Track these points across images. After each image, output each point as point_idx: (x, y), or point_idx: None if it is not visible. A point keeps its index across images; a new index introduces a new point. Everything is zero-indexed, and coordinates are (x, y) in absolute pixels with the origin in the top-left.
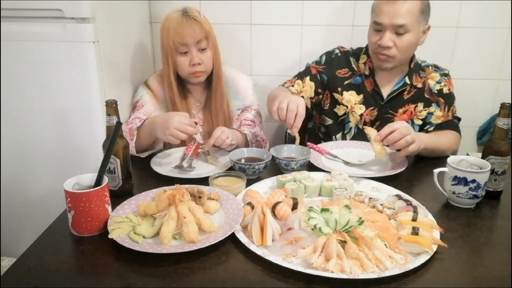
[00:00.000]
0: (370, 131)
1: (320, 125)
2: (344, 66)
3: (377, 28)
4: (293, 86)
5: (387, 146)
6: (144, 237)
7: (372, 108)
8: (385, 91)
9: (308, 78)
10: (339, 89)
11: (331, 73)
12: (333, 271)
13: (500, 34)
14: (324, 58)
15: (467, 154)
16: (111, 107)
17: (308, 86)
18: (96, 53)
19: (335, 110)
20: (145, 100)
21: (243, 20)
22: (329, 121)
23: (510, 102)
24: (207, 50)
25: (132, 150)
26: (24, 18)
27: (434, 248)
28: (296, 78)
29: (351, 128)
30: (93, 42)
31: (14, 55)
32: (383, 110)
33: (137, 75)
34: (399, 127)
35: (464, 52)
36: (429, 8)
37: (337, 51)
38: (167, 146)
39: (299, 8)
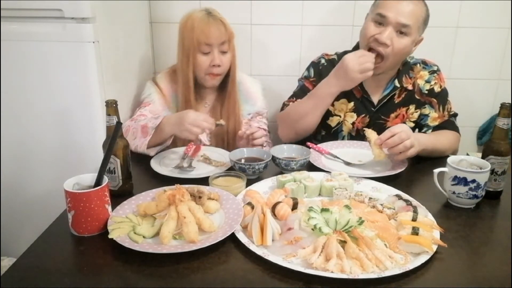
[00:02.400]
0: (371, 134)
1: (317, 134)
2: None
3: (380, 20)
4: None
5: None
6: (144, 237)
7: (363, 115)
8: (375, 97)
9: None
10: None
11: None
12: (333, 271)
13: (500, 34)
14: (312, 70)
15: (467, 154)
16: (111, 107)
17: None
18: (96, 53)
19: (328, 122)
20: (152, 98)
21: (243, 20)
22: (322, 132)
23: (510, 102)
24: (227, 53)
25: (142, 148)
26: (24, 18)
27: (434, 248)
28: (295, 98)
29: (344, 136)
30: (93, 42)
31: (14, 55)
32: (375, 116)
33: (137, 75)
34: (399, 131)
35: (464, 52)
36: (428, 21)
37: (323, 60)
38: (173, 145)
39: (299, 8)
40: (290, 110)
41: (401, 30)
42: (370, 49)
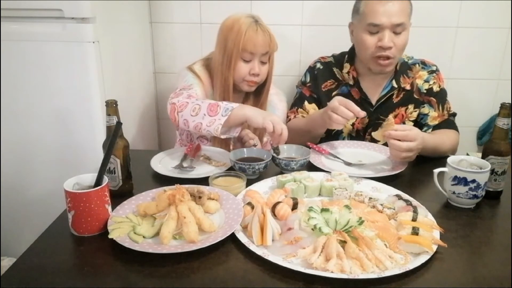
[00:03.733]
0: (389, 125)
1: None
2: (329, 77)
3: (374, 30)
4: (297, 116)
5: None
6: (144, 237)
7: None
8: (373, 97)
9: (306, 102)
10: (328, 103)
11: (317, 89)
12: (333, 271)
13: (500, 34)
14: (308, 76)
15: (467, 154)
16: (111, 107)
17: (312, 110)
18: (96, 53)
19: None
20: (196, 91)
21: None
22: (323, 135)
23: (510, 102)
24: (267, 64)
25: (212, 127)
26: (24, 18)
27: (434, 248)
28: (296, 108)
29: (344, 138)
30: (93, 42)
31: (14, 55)
32: (374, 117)
33: (137, 75)
34: (410, 140)
35: (464, 52)
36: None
37: (318, 65)
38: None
39: (299, 8)
40: (292, 125)
41: (397, 30)
42: (377, 57)
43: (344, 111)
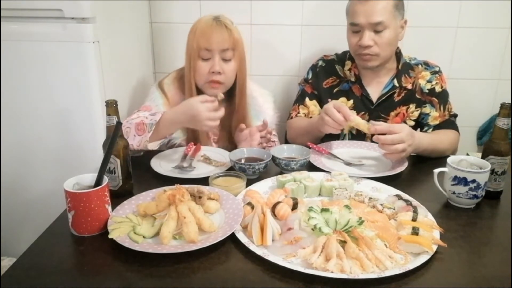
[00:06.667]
0: (360, 126)
1: None
2: (331, 74)
3: (355, 29)
4: (299, 113)
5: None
6: (144, 237)
7: (363, 113)
8: (374, 95)
9: (307, 99)
10: (329, 100)
11: (318, 86)
12: (333, 271)
13: (500, 34)
14: (310, 73)
15: (467, 154)
16: (111, 107)
17: (313, 106)
18: (96, 53)
19: None
20: (159, 109)
21: (243, 20)
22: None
23: (510, 102)
24: (231, 61)
25: (142, 144)
26: (24, 18)
27: (434, 248)
28: (297, 104)
29: (345, 135)
30: (93, 42)
31: (14, 55)
32: (374, 114)
33: (137, 75)
34: (397, 133)
35: (464, 52)
36: (402, 3)
37: (320, 62)
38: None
39: (299, 8)
40: (294, 124)
41: (377, 28)
42: (359, 55)
43: (334, 113)
